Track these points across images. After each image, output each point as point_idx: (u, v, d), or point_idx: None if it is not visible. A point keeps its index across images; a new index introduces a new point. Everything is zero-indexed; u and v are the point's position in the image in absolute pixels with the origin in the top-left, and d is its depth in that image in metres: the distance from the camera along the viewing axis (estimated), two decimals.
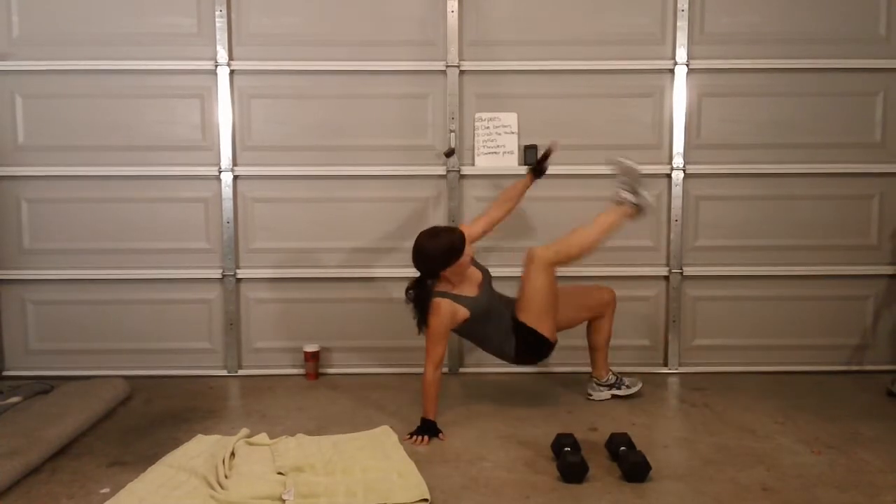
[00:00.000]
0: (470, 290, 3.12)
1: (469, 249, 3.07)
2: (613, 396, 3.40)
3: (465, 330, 3.17)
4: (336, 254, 3.87)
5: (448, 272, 3.04)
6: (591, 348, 3.42)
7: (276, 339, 3.89)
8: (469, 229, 3.21)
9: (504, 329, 3.17)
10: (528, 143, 3.80)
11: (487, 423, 3.13)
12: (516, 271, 3.82)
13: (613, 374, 3.42)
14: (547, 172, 3.45)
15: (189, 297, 3.87)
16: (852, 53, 3.77)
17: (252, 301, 3.89)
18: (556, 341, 3.21)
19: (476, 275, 3.17)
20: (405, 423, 3.07)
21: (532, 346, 3.18)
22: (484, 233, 3.31)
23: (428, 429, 2.96)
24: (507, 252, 3.86)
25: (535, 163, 3.45)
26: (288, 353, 3.88)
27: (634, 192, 3.24)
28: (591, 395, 3.42)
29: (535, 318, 3.14)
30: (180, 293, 3.87)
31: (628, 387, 3.41)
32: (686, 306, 3.90)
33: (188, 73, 3.76)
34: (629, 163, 3.25)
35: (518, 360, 3.26)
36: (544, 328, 3.14)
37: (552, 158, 3.41)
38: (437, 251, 2.99)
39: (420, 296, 3.06)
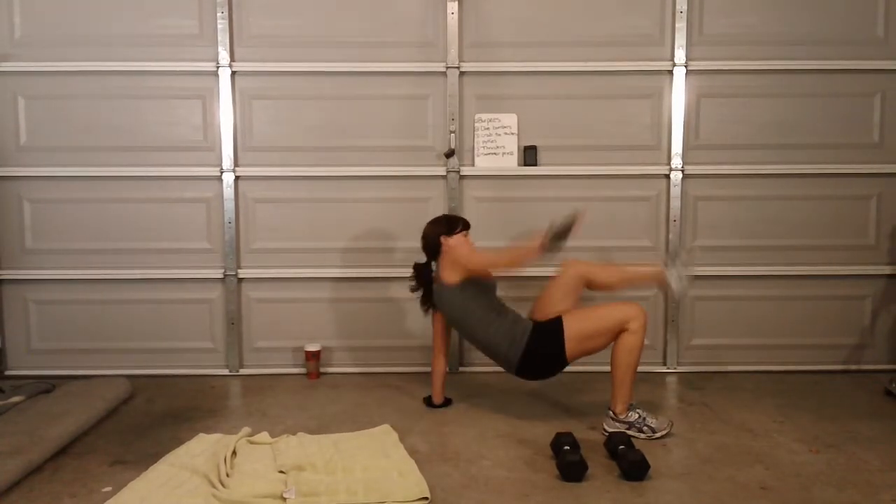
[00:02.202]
0: None
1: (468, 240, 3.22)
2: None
3: (463, 299, 3.07)
4: (336, 254, 3.88)
5: (448, 248, 3.14)
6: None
7: (277, 338, 3.91)
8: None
9: (513, 326, 3.04)
10: (527, 144, 3.82)
11: (487, 422, 3.14)
12: (515, 271, 3.85)
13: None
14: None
15: (191, 296, 3.89)
16: (850, 55, 3.79)
17: (253, 301, 3.90)
18: (568, 363, 3.04)
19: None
20: (406, 423, 3.08)
21: (544, 357, 3.01)
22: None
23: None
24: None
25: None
26: (289, 352, 3.89)
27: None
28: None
29: (578, 331, 2.95)
30: (182, 293, 3.88)
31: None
32: (685, 306, 3.92)
33: (190, 74, 3.78)
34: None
35: (520, 367, 3.04)
36: (573, 346, 2.95)
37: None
38: (438, 219, 3.27)
39: (423, 272, 3.24)
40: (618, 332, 2.95)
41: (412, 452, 2.78)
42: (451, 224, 3.24)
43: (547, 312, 3.09)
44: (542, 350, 3.01)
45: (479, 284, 3.13)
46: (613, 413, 2.96)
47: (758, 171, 3.85)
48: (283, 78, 3.80)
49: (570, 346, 2.97)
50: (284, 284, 3.89)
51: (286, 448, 2.80)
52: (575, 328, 2.97)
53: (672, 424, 2.99)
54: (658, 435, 2.93)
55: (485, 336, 3.10)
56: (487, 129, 3.81)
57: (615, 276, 3.22)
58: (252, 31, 3.78)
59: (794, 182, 3.86)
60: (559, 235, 2.88)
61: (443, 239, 3.19)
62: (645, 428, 2.94)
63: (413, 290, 3.33)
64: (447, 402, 3.36)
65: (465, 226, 3.25)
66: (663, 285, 3.17)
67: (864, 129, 3.84)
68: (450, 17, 3.75)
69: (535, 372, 3.09)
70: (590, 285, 3.20)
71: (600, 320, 2.96)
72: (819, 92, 3.82)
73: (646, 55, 3.80)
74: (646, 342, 3.81)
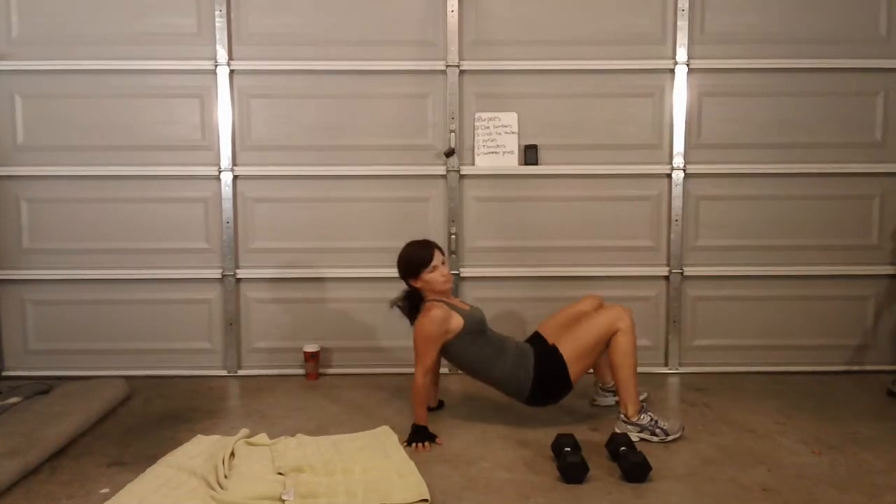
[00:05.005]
0: (461, 305, 3.14)
1: (442, 266, 3.07)
2: (618, 403, 3.08)
3: (461, 348, 3.03)
4: (336, 254, 3.86)
5: (429, 271, 3.03)
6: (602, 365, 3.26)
7: (275, 339, 3.89)
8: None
9: (519, 356, 3.03)
10: (528, 143, 3.80)
11: (487, 423, 3.13)
12: (515, 271, 3.85)
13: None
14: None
15: (189, 297, 3.87)
16: (853, 53, 3.77)
17: (252, 301, 3.88)
18: (571, 388, 3.04)
19: (465, 305, 3.17)
20: (405, 424, 3.06)
21: (554, 381, 3.00)
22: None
23: (421, 434, 2.92)
24: (506, 252, 3.86)
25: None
26: (288, 353, 3.87)
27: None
28: (595, 401, 3.35)
29: (573, 351, 2.96)
30: (180, 293, 3.86)
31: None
32: (686, 306, 3.90)
33: (188, 72, 3.76)
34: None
35: (532, 395, 3.02)
36: (574, 368, 2.97)
37: None
38: (414, 245, 3.10)
39: (408, 302, 3.12)
40: (609, 337, 2.95)
41: (412, 454, 2.76)
42: (414, 266, 3.04)
43: (570, 341, 3.00)
44: (549, 377, 3.00)
45: (471, 332, 3.02)
46: (626, 417, 2.93)
47: (760, 170, 3.83)
48: (282, 76, 3.79)
49: (571, 369, 2.97)
50: (283, 285, 3.87)
51: (285, 449, 2.79)
52: (570, 349, 2.97)
53: (684, 428, 2.97)
54: (671, 438, 2.91)
55: (489, 377, 3.09)
56: (488, 127, 3.79)
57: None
58: (251, 30, 3.76)
59: (797, 182, 3.84)
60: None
61: (415, 283, 3.06)
62: (658, 431, 2.91)
63: (410, 318, 3.12)
64: (441, 405, 3.32)
65: (428, 260, 3.03)
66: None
67: (867, 129, 3.82)
68: (450, 15, 3.73)
69: (546, 398, 3.07)
70: (613, 346, 2.97)
71: (590, 333, 2.97)
72: (821, 91, 3.80)
73: (647, 54, 3.78)
74: (648, 343, 3.86)
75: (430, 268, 3.04)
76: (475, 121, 3.80)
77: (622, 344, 2.93)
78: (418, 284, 3.07)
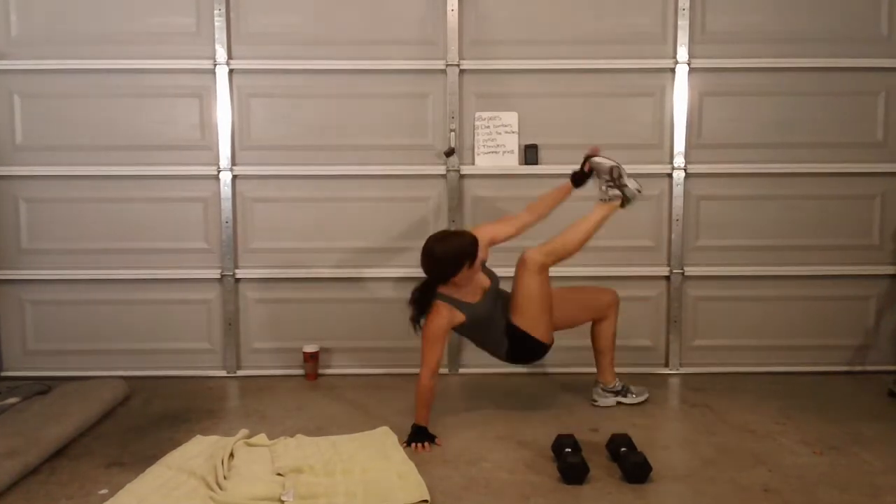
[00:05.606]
0: (472, 296, 3.07)
1: (482, 254, 3.04)
2: (619, 404, 3.33)
3: (459, 331, 3.17)
4: (335, 254, 3.85)
5: (458, 277, 2.99)
6: (596, 352, 3.35)
7: (275, 339, 3.88)
8: (494, 230, 3.19)
9: (499, 333, 3.14)
10: (528, 143, 3.79)
11: (487, 424, 3.12)
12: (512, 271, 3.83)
13: (620, 381, 3.37)
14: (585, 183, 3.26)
15: (188, 297, 3.86)
16: (854, 53, 3.76)
17: (251, 301, 3.88)
18: (551, 343, 3.17)
19: (483, 281, 3.13)
20: (405, 424, 3.05)
21: (525, 349, 3.16)
22: (510, 236, 3.22)
23: (421, 434, 2.92)
24: (505, 252, 3.84)
25: (578, 172, 3.25)
26: (287, 353, 3.86)
27: (618, 186, 3.15)
28: (595, 401, 3.36)
29: (528, 322, 3.09)
30: (179, 293, 3.85)
31: (635, 395, 3.36)
32: (687, 306, 3.89)
33: (187, 72, 3.75)
34: (603, 161, 3.18)
35: (511, 361, 3.24)
36: (538, 332, 3.10)
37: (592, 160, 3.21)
38: (448, 256, 2.96)
39: (423, 299, 3.03)
40: (539, 282, 3.08)
41: (412, 455, 2.76)
42: (460, 260, 2.95)
43: (519, 314, 3.13)
44: (522, 348, 3.16)
45: (471, 324, 3.07)
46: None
47: (761, 170, 3.82)
48: (282, 76, 3.78)
49: (536, 333, 3.11)
50: (282, 285, 3.86)
51: (284, 450, 2.78)
52: (521, 321, 3.10)
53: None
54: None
55: (488, 348, 3.25)
56: (488, 127, 3.78)
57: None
58: (250, 29, 3.75)
59: (798, 181, 3.83)
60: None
61: (456, 278, 2.99)
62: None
63: (413, 318, 3.05)
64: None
65: (473, 250, 3.00)
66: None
67: (868, 128, 3.82)
68: (450, 14, 3.72)
69: (526, 361, 3.32)
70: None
71: (524, 294, 3.09)
72: (822, 90, 3.79)
73: (648, 53, 3.77)
74: (648, 343, 3.86)
75: (477, 257, 3.02)
76: (475, 120, 3.79)
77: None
78: (458, 278, 2.99)
